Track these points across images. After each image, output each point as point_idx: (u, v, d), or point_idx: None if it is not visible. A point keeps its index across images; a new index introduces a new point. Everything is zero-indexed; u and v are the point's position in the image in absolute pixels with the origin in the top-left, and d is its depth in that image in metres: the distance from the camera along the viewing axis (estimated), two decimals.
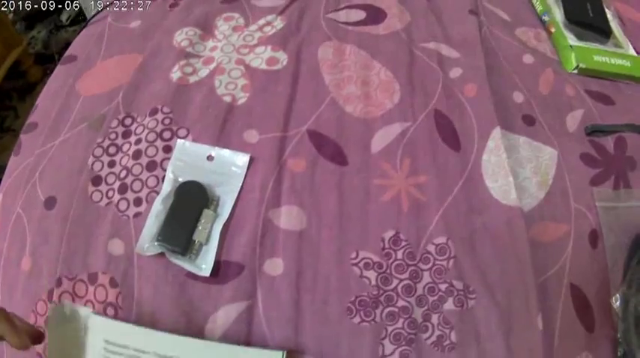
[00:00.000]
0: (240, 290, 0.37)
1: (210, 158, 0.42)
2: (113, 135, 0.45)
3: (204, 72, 0.47)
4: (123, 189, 0.42)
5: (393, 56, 0.46)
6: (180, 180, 0.41)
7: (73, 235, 0.41)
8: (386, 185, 0.41)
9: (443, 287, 0.38)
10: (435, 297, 0.38)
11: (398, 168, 0.41)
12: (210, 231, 0.39)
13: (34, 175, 0.46)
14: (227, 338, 0.36)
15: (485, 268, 0.39)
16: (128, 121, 0.46)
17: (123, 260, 0.40)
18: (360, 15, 0.50)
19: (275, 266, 0.38)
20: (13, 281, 0.43)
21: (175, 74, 0.47)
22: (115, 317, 0.37)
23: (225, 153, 0.42)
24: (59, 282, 0.40)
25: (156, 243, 0.39)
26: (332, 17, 0.50)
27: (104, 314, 0.38)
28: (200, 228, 0.39)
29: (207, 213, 0.39)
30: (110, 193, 0.43)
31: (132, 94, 0.47)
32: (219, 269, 0.38)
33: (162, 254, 0.39)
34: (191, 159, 0.42)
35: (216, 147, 0.42)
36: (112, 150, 0.45)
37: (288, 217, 0.39)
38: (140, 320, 0.37)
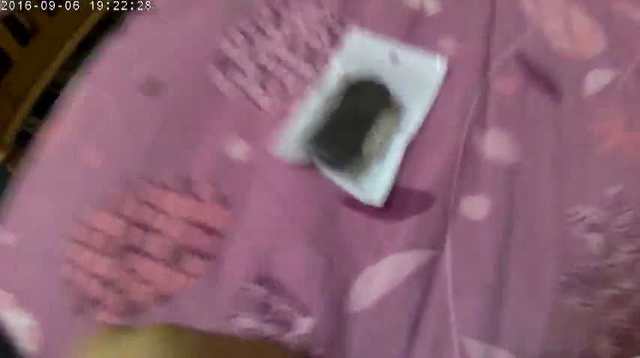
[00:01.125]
0: (425, 233, 0.26)
1: (393, 58, 0.32)
2: (261, 22, 0.35)
3: None
4: (267, 80, 0.31)
5: (592, 4, 0.40)
6: (354, 75, 0.30)
7: (177, 127, 0.30)
8: (604, 134, 0.32)
9: None
10: None
11: (615, 117, 0.33)
12: (389, 145, 0.29)
13: (139, 58, 0.35)
14: (387, 304, 0.25)
15: None
16: (283, 8, 0.35)
17: (244, 169, 0.29)
18: None
19: (476, 206, 0.27)
20: (77, 176, 0.31)
21: None
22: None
23: (415, 54, 0.32)
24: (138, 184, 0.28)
25: (308, 148, 0.28)
26: None
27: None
28: (375, 137, 0.28)
29: (386, 120, 0.29)
30: (243, 82, 0.32)
31: None
32: (395, 199, 0.27)
33: (308, 168, 0.28)
34: (368, 55, 0.32)
35: (402, 45, 0.32)
36: (258, 37, 0.34)
37: (496, 145, 0.29)
38: (250, 250, 0.26)
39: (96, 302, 0.26)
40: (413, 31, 0.33)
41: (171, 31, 0.36)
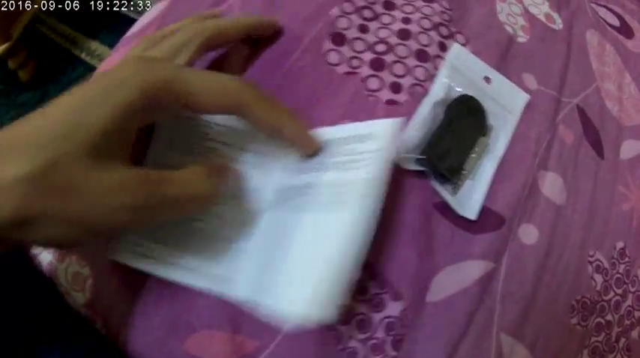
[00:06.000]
0: (492, 247, 0.29)
1: (487, 80, 0.33)
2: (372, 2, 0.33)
3: None
4: (378, 65, 0.31)
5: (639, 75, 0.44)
6: (458, 89, 0.31)
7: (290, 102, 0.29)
8: (627, 195, 0.37)
9: (637, 314, 0.36)
10: (629, 322, 0.35)
11: (636, 184, 0.38)
12: (479, 166, 0.30)
13: None
14: (453, 301, 0.28)
15: None
16: None
17: None
18: (616, 21, 0.46)
19: (529, 233, 0.31)
20: None
21: None
22: None
23: (507, 82, 0.33)
24: None
25: (418, 157, 0.28)
26: (595, 8, 0.45)
27: None
28: (474, 155, 0.30)
29: (483, 141, 0.30)
30: (355, 62, 0.31)
31: None
32: (479, 215, 0.29)
33: (415, 173, 0.29)
34: (468, 71, 0.32)
35: (496, 72, 0.33)
36: (367, 13, 0.32)
37: (552, 186, 0.33)
38: None
39: None
40: (504, 57, 0.34)
41: None
